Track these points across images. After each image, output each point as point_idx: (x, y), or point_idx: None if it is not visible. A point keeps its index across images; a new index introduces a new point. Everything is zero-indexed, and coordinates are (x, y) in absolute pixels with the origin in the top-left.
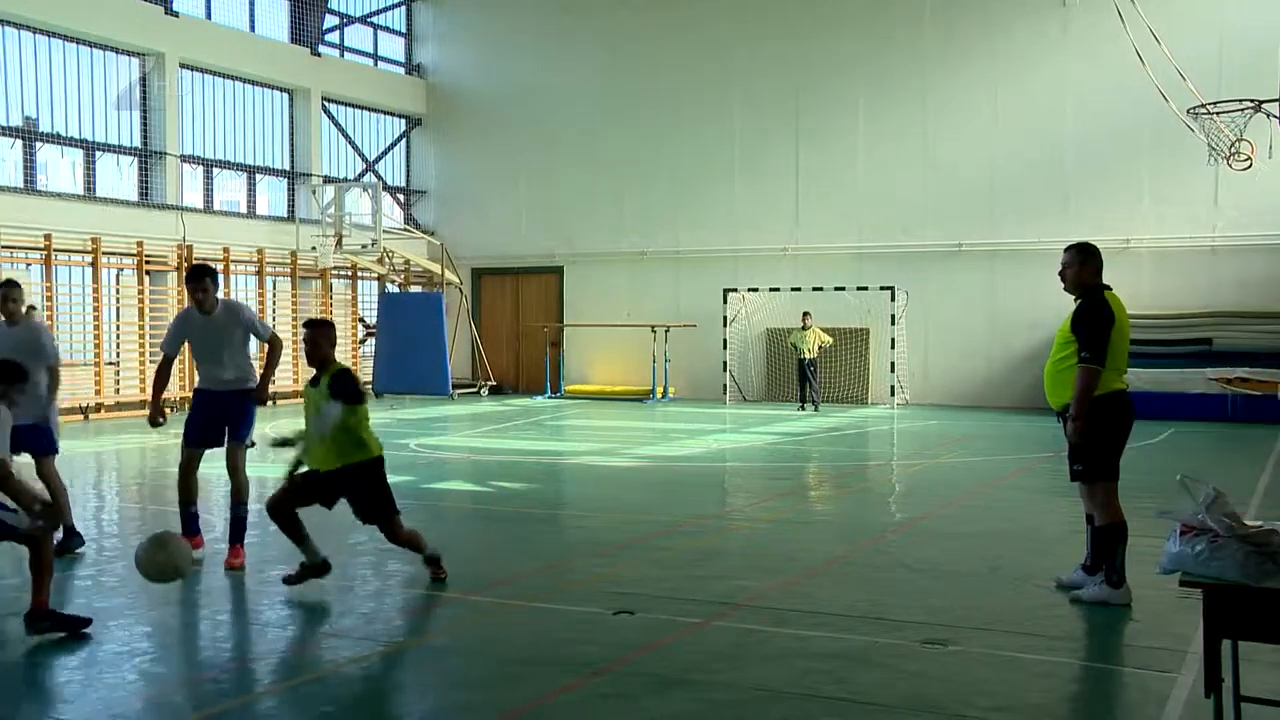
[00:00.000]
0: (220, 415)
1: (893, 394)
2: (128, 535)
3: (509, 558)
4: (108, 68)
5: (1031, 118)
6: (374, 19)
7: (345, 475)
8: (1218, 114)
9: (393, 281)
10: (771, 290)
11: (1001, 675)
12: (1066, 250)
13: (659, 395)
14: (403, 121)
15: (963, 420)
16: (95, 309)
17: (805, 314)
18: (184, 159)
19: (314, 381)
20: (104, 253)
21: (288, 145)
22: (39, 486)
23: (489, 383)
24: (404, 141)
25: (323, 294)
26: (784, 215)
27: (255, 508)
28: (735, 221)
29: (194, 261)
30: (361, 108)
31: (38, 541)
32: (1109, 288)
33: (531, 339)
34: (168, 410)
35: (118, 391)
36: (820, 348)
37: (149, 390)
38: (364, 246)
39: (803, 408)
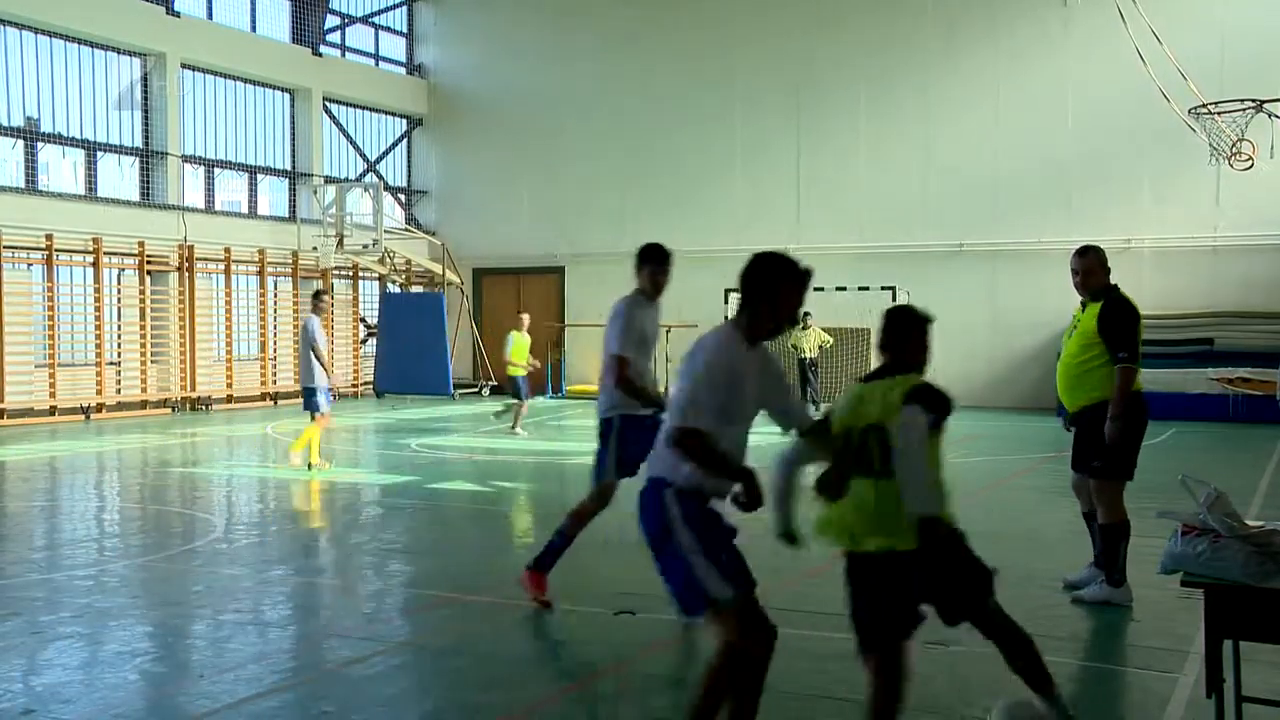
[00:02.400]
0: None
1: None
2: (128, 535)
3: (509, 558)
4: (109, 68)
5: (1033, 117)
6: (375, 19)
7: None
8: (1219, 114)
9: (394, 281)
10: None
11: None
12: (1081, 255)
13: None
14: (404, 121)
15: (963, 420)
16: (96, 309)
17: (806, 314)
18: (185, 159)
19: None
20: (105, 253)
21: (289, 145)
22: None
23: (490, 383)
24: (405, 141)
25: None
26: (785, 215)
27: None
28: (736, 221)
29: (195, 261)
30: (363, 108)
31: None
32: (1116, 286)
33: (533, 339)
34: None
35: (119, 392)
36: (820, 348)
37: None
38: (365, 246)
39: (816, 406)
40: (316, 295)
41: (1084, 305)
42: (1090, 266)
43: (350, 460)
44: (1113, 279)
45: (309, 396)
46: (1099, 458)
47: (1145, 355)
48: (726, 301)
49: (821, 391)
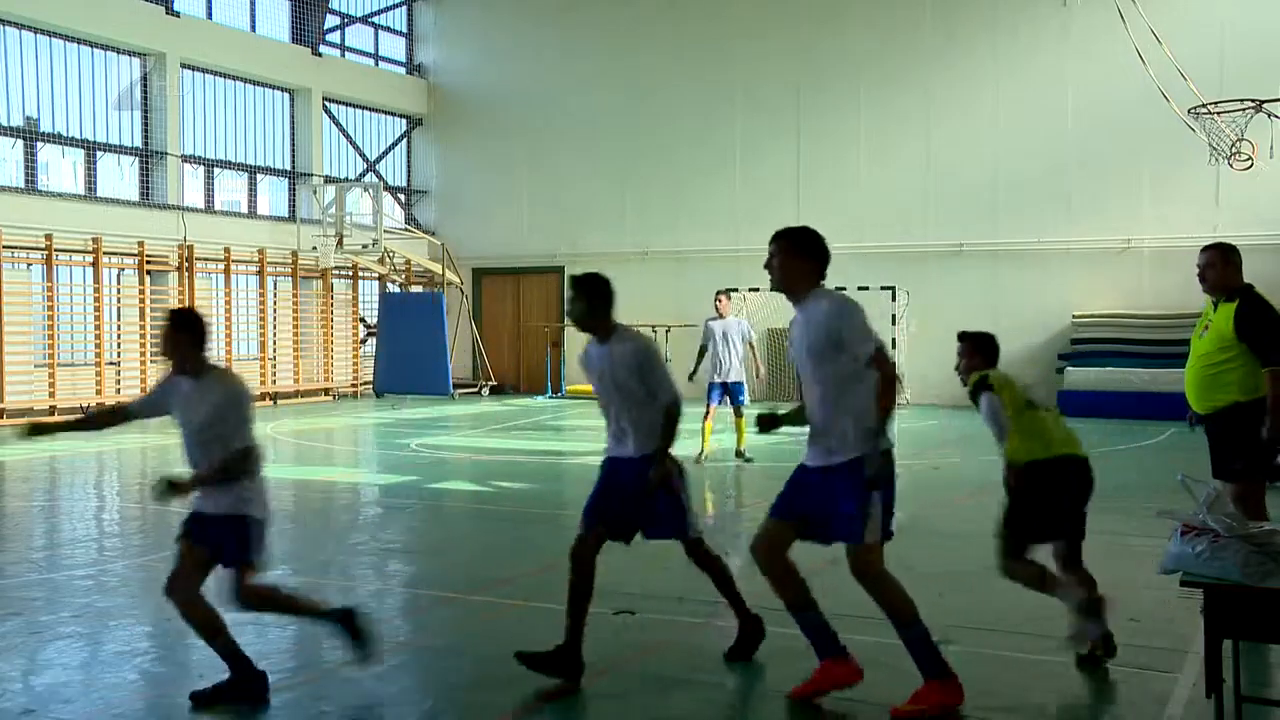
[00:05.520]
0: None
1: None
2: (128, 535)
3: (509, 558)
4: (108, 68)
5: (1033, 117)
6: (375, 19)
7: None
8: (1219, 114)
9: (393, 281)
10: (773, 290)
11: (1002, 675)
12: (1205, 251)
13: None
14: (404, 121)
15: (963, 420)
16: (96, 309)
17: None
18: (185, 159)
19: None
20: (105, 253)
21: (289, 145)
22: None
23: (490, 383)
24: (405, 141)
25: (324, 294)
26: (785, 215)
27: None
28: (736, 221)
29: (195, 261)
30: (362, 108)
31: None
32: (1251, 285)
33: (532, 339)
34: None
35: (118, 392)
36: None
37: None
38: (365, 246)
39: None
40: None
41: (1215, 305)
42: (1211, 260)
43: (350, 460)
44: (1112, 280)
45: (738, 391)
46: (1241, 459)
47: (1144, 355)
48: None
49: None
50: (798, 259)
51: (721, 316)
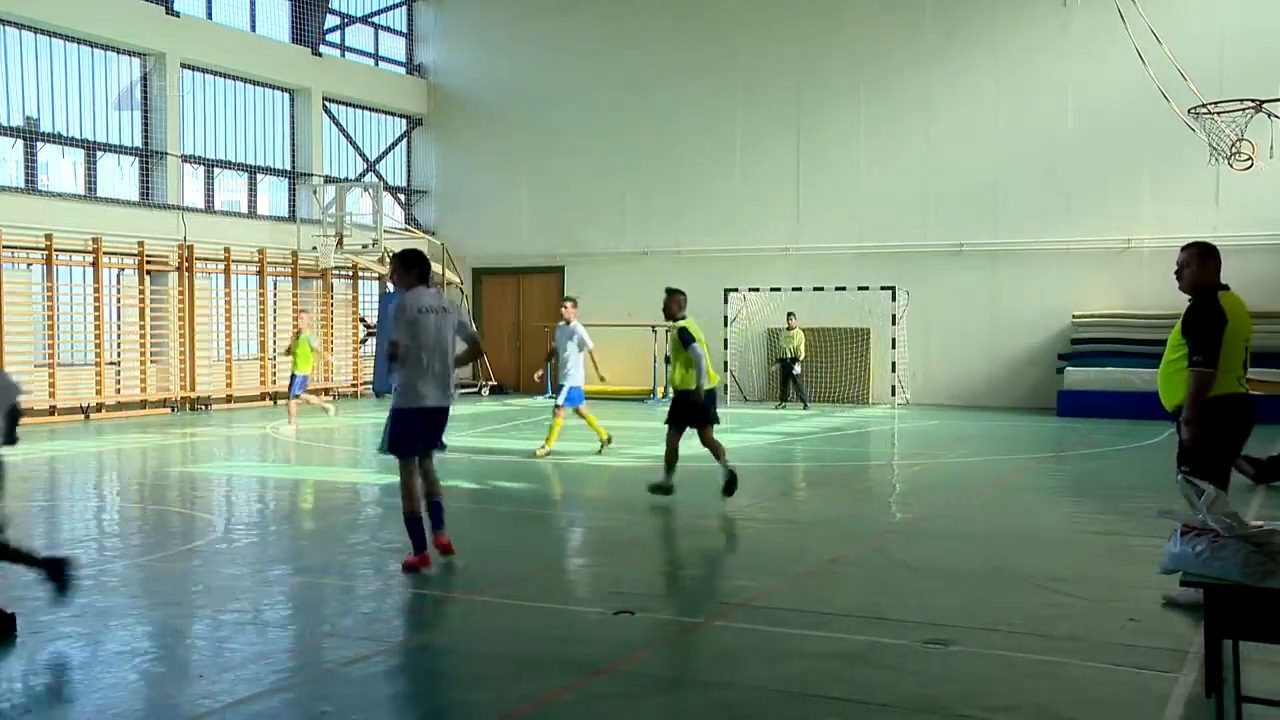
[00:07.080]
0: None
1: (893, 394)
2: (128, 535)
3: (509, 558)
4: (108, 68)
5: (1033, 118)
6: (375, 19)
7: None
8: (1219, 114)
9: (394, 281)
10: (772, 290)
11: (1003, 675)
12: (1184, 249)
13: (659, 395)
14: (404, 121)
15: (963, 420)
16: (96, 309)
17: (790, 314)
18: (185, 159)
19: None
20: (105, 252)
21: (289, 145)
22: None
23: (489, 383)
24: (405, 141)
25: (324, 294)
26: (785, 215)
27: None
28: (736, 221)
29: (195, 261)
30: (362, 108)
31: None
32: (1226, 287)
33: (532, 339)
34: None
35: (118, 391)
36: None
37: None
38: (365, 246)
39: (804, 405)
40: None
41: None
42: (1187, 259)
43: (350, 460)
44: (1113, 280)
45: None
46: (1184, 463)
47: (1144, 355)
48: (726, 301)
49: (809, 390)
50: (403, 274)
51: (567, 322)
